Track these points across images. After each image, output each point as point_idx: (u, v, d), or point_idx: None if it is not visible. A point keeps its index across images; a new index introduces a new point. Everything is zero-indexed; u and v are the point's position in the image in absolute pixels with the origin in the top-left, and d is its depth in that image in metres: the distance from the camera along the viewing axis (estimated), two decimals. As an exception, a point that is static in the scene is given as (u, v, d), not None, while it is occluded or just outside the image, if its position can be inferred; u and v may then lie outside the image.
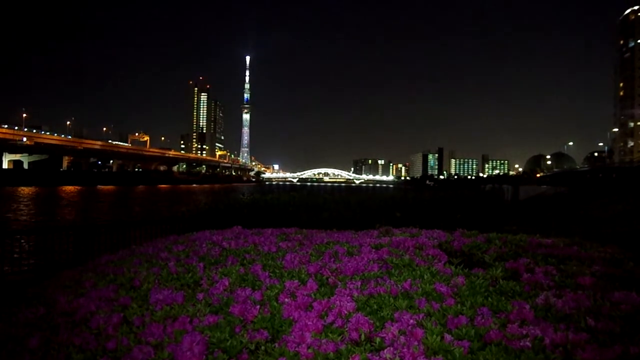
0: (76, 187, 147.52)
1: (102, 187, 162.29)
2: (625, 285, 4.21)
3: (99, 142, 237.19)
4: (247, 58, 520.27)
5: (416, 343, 3.10)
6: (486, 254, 5.74)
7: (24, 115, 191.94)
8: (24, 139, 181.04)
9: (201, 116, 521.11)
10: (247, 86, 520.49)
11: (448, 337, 3.18)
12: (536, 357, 2.89)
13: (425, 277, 4.62)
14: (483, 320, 3.45)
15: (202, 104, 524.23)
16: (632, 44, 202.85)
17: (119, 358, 3.15)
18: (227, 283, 4.53)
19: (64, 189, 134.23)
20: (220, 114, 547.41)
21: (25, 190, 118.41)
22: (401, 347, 3.05)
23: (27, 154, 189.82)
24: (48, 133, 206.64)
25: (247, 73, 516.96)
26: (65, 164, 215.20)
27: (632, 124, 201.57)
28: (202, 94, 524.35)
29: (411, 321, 3.45)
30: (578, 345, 2.99)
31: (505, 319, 3.52)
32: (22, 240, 13.84)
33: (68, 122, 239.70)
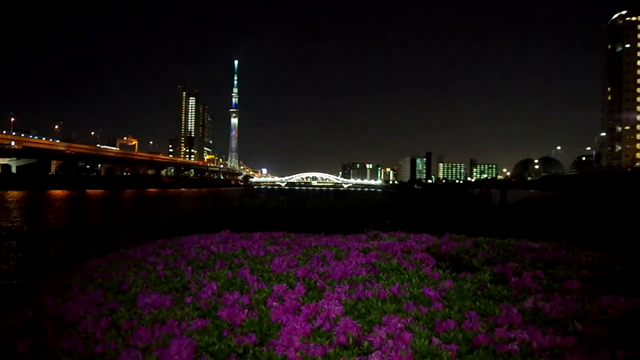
0: (64, 191, 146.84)
1: (91, 191, 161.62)
2: (612, 289, 4.22)
3: (87, 146, 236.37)
4: (236, 62, 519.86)
5: (404, 347, 3.10)
6: (474, 258, 5.74)
7: (12, 119, 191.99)
8: (12, 143, 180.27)
9: (189, 120, 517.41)
10: (235, 90, 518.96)
11: (436, 340, 3.19)
12: (524, 360, 2.90)
13: (414, 280, 4.62)
14: (471, 324, 3.45)
15: (190, 108, 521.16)
16: (620, 48, 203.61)
17: (107, 362, 3.13)
18: (215, 287, 4.52)
19: (52, 193, 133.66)
20: (209, 118, 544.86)
21: (14, 194, 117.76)
22: (389, 351, 3.05)
23: (15, 158, 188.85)
24: (36, 137, 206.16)
25: (236, 77, 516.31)
26: (53, 168, 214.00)
27: (619, 129, 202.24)
28: (191, 98, 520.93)
29: (399, 325, 3.45)
30: (565, 349, 2.99)
31: (493, 322, 3.52)
32: (10, 245, 13.76)
33: (56, 126, 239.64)
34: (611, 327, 3.30)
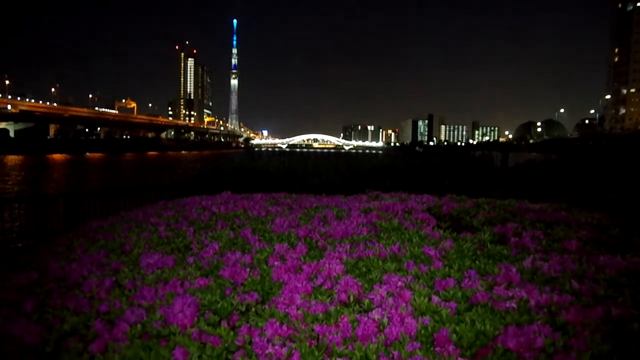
0: (64, 155, 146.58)
1: (91, 154, 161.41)
2: (610, 250, 4.26)
3: (86, 110, 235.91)
4: (235, 22, 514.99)
5: (404, 304, 3.15)
6: (475, 219, 5.78)
7: (7, 82, 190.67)
8: (9, 107, 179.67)
9: (189, 82, 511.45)
10: (234, 51, 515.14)
11: (435, 298, 3.24)
12: (521, 318, 2.95)
13: (414, 240, 4.67)
14: (470, 283, 3.50)
15: (189, 69, 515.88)
16: (631, 7, 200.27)
17: (112, 320, 3.19)
18: (217, 247, 4.57)
19: (52, 157, 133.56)
20: (208, 80, 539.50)
21: (13, 158, 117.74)
22: (389, 308, 3.11)
23: (12, 122, 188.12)
24: (33, 101, 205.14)
25: (235, 38, 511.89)
26: (52, 132, 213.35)
27: (625, 91, 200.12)
28: (189, 59, 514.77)
29: (399, 283, 3.51)
30: (562, 306, 3.04)
31: (492, 281, 3.57)
32: (13, 208, 13.90)
33: (53, 90, 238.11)
34: (607, 286, 3.36)
